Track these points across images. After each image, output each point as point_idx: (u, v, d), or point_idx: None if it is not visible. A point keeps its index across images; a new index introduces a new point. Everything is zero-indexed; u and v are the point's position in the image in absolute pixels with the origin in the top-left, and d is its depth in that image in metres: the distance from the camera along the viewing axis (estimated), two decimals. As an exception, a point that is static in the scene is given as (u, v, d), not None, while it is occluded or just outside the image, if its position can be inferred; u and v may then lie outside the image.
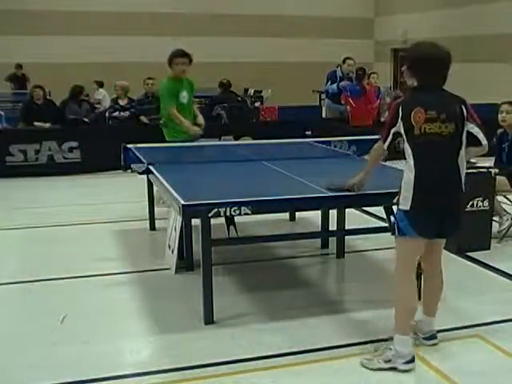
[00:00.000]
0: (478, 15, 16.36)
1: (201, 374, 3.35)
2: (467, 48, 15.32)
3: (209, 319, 3.96)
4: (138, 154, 5.36)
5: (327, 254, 5.48)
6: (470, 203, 5.33)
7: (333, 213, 5.28)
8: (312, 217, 6.14)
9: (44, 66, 16.85)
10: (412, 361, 3.36)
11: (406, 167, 3.34)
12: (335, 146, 6.24)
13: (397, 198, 3.40)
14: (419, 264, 3.60)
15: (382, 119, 10.84)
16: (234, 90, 11.94)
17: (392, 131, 3.37)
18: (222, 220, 3.92)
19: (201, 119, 6.57)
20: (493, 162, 5.91)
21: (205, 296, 3.92)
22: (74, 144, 9.48)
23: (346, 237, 5.38)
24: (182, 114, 6.28)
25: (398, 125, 3.33)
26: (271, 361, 3.49)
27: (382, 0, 21.54)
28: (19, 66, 16.04)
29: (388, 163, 5.68)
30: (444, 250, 3.63)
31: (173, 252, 4.97)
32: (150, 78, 10.22)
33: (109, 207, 7.21)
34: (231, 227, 3.96)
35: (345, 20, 20.95)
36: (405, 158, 3.37)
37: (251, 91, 17.03)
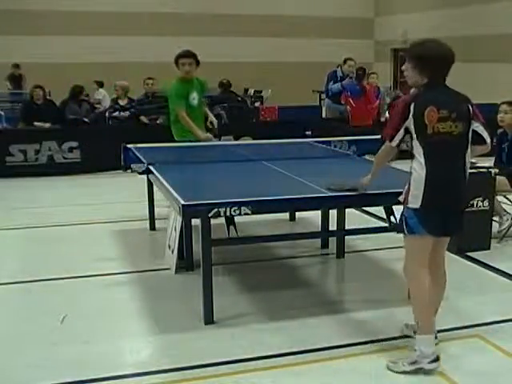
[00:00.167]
0: (478, 15, 16.36)
1: (201, 374, 3.35)
2: (467, 48, 15.31)
3: (209, 319, 3.96)
4: (138, 154, 5.36)
5: (327, 254, 5.48)
6: (470, 203, 5.32)
7: (333, 213, 5.28)
8: (312, 217, 6.14)
9: (44, 66, 16.85)
10: (437, 360, 3.33)
11: (416, 165, 3.31)
12: (335, 146, 6.25)
13: (403, 196, 3.39)
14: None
15: (382, 119, 10.85)
16: (234, 90, 11.94)
17: (401, 129, 3.32)
18: (222, 220, 3.91)
19: (212, 119, 6.49)
20: (493, 162, 5.91)
21: (205, 296, 3.92)
22: (74, 144, 9.48)
23: (346, 237, 5.39)
24: (191, 116, 6.19)
25: (407, 123, 3.28)
26: (271, 361, 3.49)
27: (381, 0, 21.54)
28: (17, 66, 16.05)
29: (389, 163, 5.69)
30: (444, 250, 3.64)
31: (173, 252, 4.97)
32: (149, 78, 10.23)
33: (109, 207, 7.21)
34: (231, 227, 3.95)
35: (345, 20, 20.94)
36: (411, 157, 3.36)
37: (251, 91, 17.03)
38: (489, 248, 5.49)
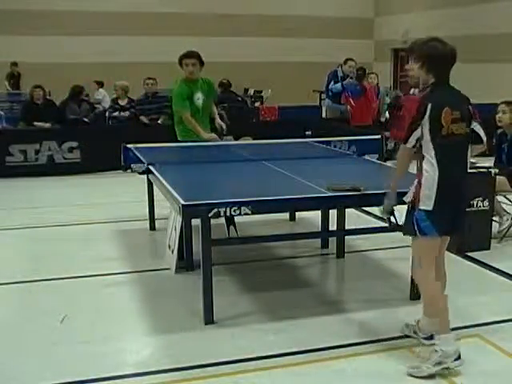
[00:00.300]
0: (478, 15, 16.36)
1: (201, 374, 3.35)
2: (467, 48, 15.31)
3: (209, 319, 3.96)
4: (138, 154, 5.36)
5: (327, 254, 5.48)
6: (470, 203, 5.32)
7: (333, 213, 5.28)
8: (312, 217, 6.14)
9: (44, 66, 16.84)
10: (459, 357, 3.31)
11: (427, 166, 3.27)
12: (335, 146, 6.25)
13: (411, 196, 3.36)
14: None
15: (382, 119, 10.87)
16: (234, 90, 11.94)
17: (417, 130, 3.24)
18: (222, 220, 3.91)
19: (221, 123, 6.34)
20: (493, 162, 5.91)
21: (205, 296, 3.92)
22: (74, 144, 9.48)
23: (346, 237, 5.39)
24: (196, 116, 6.12)
25: (422, 123, 3.22)
26: (271, 361, 3.49)
27: (381, 0, 21.54)
28: (15, 64, 16.06)
29: (389, 163, 5.69)
30: (444, 250, 3.64)
31: (173, 252, 4.97)
32: (149, 78, 10.22)
33: (109, 207, 7.21)
34: (231, 227, 3.96)
35: (345, 20, 20.94)
36: (419, 157, 3.32)
37: (251, 91, 17.04)
38: (489, 248, 5.49)
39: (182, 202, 3.70)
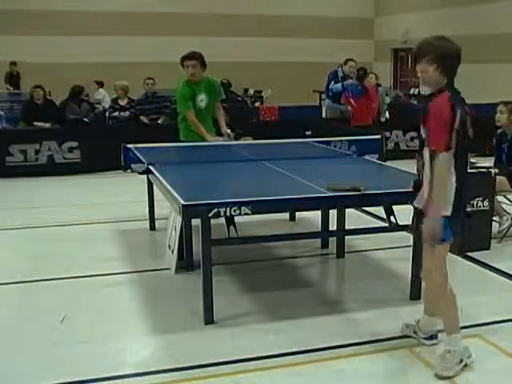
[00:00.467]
0: (479, 15, 16.36)
1: (201, 374, 3.35)
2: (467, 48, 15.32)
3: (209, 319, 3.96)
4: (138, 154, 5.36)
5: (327, 254, 5.48)
6: (470, 203, 5.32)
7: (333, 213, 5.28)
8: (312, 217, 6.14)
9: (44, 66, 16.86)
10: (471, 355, 3.40)
11: None
12: (335, 146, 6.25)
13: (425, 202, 3.25)
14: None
15: (382, 119, 10.88)
16: (234, 90, 11.94)
17: (452, 134, 3.10)
18: (222, 220, 3.91)
19: (225, 130, 6.22)
20: (493, 162, 5.91)
21: (205, 296, 3.92)
22: (74, 144, 9.48)
23: (346, 237, 5.38)
24: (198, 117, 6.12)
25: (455, 127, 3.11)
26: (271, 361, 3.49)
27: (381, 0, 21.55)
28: (14, 64, 16.06)
29: (388, 163, 5.70)
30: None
31: (173, 252, 4.97)
32: (149, 78, 10.24)
33: (109, 207, 7.21)
34: (231, 227, 3.95)
35: (345, 20, 20.95)
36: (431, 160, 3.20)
37: (251, 91, 17.06)
38: (489, 248, 5.49)
39: (182, 202, 3.70)
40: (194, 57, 6.08)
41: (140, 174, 5.32)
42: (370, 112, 10.29)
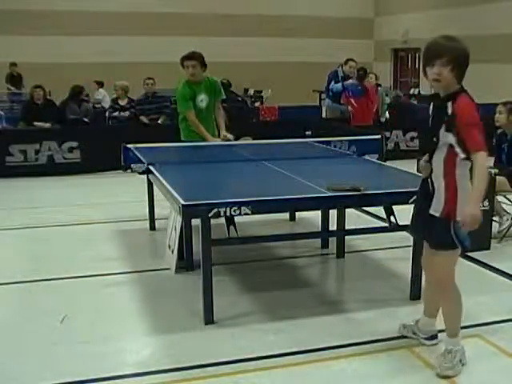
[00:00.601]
0: (479, 15, 16.36)
1: (201, 374, 3.35)
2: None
3: (209, 319, 3.96)
4: (138, 154, 5.36)
5: (327, 254, 5.47)
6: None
7: (333, 213, 5.28)
8: (312, 217, 6.14)
9: (44, 66, 16.86)
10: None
11: (462, 176, 3.18)
12: (335, 146, 6.25)
13: (445, 210, 3.22)
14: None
15: (382, 119, 10.87)
16: (234, 90, 11.94)
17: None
18: (222, 220, 3.91)
19: (225, 134, 6.18)
20: (492, 162, 5.91)
21: (205, 296, 3.92)
22: (74, 144, 9.48)
23: (346, 237, 5.38)
24: (199, 117, 6.11)
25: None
26: (271, 361, 3.49)
27: (381, 0, 21.55)
28: (14, 64, 16.06)
29: (388, 163, 5.70)
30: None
31: (173, 252, 4.97)
32: (149, 78, 10.24)
33: (109, 207, 7.21)
34: (231, 227, 3.95)
35: (345, 20, 20.96)
36: (450, 165, 3.18)
37: (251, 91, 17.06)
38: (489, 248, 5.48)
39: (182, 202, 3.70)
40: (194, 57, 6.08)
41: (140, 173, 5.32)
42: (371, 112, 10.29)
